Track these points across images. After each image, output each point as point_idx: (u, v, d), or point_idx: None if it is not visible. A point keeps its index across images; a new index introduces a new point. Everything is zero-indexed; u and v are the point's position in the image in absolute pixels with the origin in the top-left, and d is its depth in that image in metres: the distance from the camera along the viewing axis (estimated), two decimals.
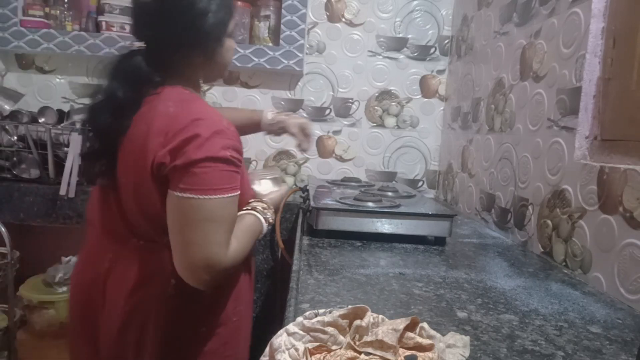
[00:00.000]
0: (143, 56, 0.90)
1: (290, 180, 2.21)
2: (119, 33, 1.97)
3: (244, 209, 0.98)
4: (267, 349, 0.57)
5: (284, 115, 1.36)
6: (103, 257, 0.94)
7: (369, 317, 0.59)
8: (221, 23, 0.93)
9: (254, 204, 1.00)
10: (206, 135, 0.83)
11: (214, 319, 0.97)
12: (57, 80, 2.15)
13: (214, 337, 0.97)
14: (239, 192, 0.88)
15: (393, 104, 2.19)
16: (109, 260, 0.94)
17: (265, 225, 0.99)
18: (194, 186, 0.82)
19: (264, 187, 1.13)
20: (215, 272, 0.85)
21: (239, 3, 1.98)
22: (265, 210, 1.00)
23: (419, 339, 0.57)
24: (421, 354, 0.55)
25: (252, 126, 1.36)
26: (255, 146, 2.18)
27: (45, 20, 1.98)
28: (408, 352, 0.55)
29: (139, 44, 0.91)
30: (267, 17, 2.05)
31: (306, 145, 1.34)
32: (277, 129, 1.35)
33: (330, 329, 0.57)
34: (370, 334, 0.57)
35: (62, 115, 1.98)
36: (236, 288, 1.01)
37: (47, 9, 2.00)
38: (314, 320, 0.58)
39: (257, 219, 0.97)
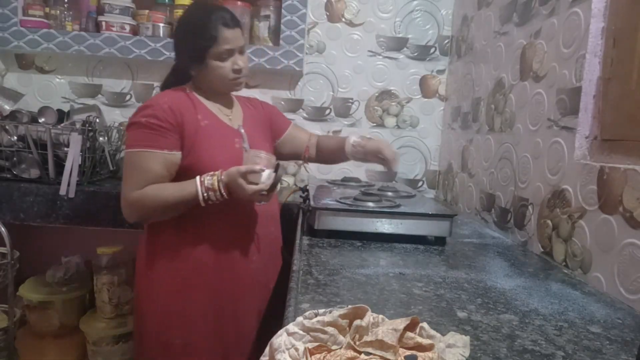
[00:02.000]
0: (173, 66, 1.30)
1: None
2: (119, 33, 1.96)
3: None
4: (267, 349, 0.57)
5: (365, 140, 1.36)
6: None
7: (369, 317, 0.59)
8: (199, 49, 1.17)
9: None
10: (139, 109, 1.17)
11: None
12: (57, 80, 2.15)
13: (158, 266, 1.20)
14: (154, 150, 1.13)
15: (393, 104, 2.19)
16: None
17: (198, 186, 1.11)
18: (125, 143, 1.18)
19: (259, 155, 1.13)
20: (125, 205, 1.16)
21: (239, 3, 1.98)
22: (207, 176, 1.12)
23: (419, 339, 0.57)
24: (421, 354, 0.55)
25: (341, 153, 1.39)
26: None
27: (45, 20, 1.98)
28: (408, 352, 0.55)
29: None
30: (267, 17, 2.05)
31: (391, 165, 1.32)
32: (361, 156, 1.36)
33: (330, 329, 0.57)
34: (370, 334, 0.57)
35: (62, 115, 1.98)
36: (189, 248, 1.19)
37: (47, 9, 2.00)
38: (314, 320, 0.58)
39: (191, 181, 1.12)
